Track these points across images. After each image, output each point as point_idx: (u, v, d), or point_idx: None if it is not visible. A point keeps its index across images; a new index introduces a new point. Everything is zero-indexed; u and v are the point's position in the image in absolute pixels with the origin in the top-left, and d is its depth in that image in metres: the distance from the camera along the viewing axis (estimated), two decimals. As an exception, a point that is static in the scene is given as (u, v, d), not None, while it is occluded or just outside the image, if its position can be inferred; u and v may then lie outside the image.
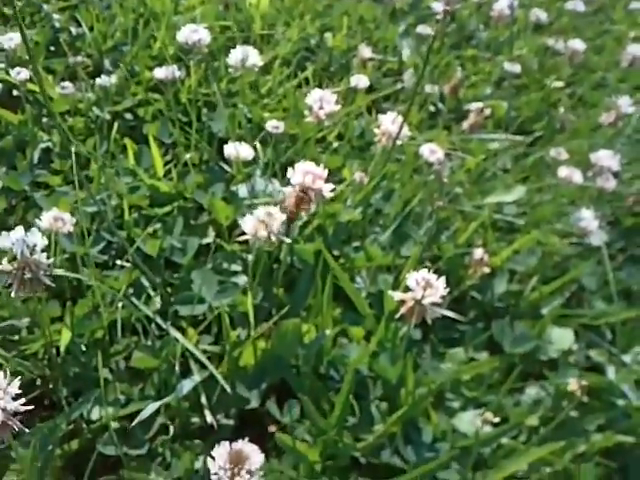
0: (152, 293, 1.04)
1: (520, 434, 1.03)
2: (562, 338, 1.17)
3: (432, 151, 1.25)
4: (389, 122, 1.21)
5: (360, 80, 1.40)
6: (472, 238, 1.31)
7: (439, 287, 0.85)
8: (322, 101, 1.15)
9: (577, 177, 1.29)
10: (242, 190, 1.23)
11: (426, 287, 0.84)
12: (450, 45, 2.05)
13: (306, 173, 0.95)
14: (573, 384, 0.89)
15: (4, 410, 0.61)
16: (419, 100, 1.71)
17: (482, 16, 2.24)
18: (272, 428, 0.99)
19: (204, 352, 0.96)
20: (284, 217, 0.90)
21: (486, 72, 1.95)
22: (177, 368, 0.92)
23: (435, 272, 1.25)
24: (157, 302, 1.03)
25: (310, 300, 1.08)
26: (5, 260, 0.75)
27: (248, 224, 0.92)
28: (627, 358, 1.19)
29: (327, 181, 0.96)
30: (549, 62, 2.07)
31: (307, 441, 0.91)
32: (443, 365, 1.12)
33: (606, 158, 1.34)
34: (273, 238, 0.90)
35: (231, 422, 0.94)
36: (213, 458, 0.66)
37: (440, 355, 1.15)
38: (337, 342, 1.05)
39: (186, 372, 0.95)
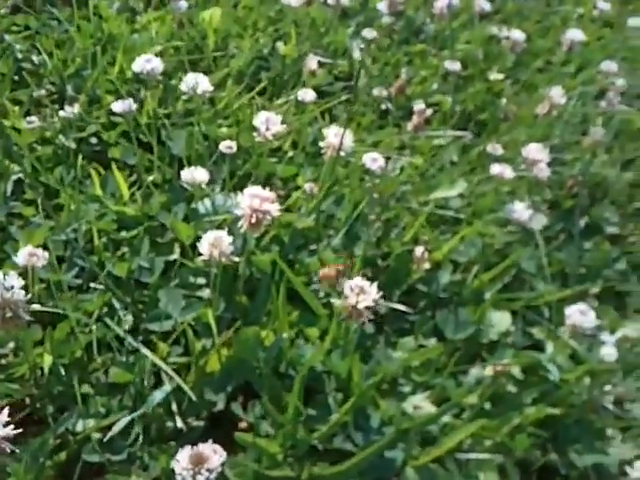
0: (124, 313, 1.15)
1: (463, 412, 1.16)
2: (501, 321, 1.29)
3: (374, 159, 1.35)
4: (332, 135, 1.31)
5: (307, 94, 1.49)
6: (418, 234, 1.42)
7: (372, 292, 0.96)
8: (268, 122, 1.25)
9: (508, 173, 1.40)
10: (202, 207, 1.34)
11: (359, 293, 0.95)
12: (399, 41, 2.14)
13: (254, 197, 1.06)
14: (489, 370, 1.01)
15: (-5, 437, 0.72)
16: (369, 101, 1.82)
17: (429, 9, 2.32)
18: (242, 424, 1.11)
19: (174, 364, 1.07)
20: (231, 239, 1.01)
21: (433, 66, 2.04)
22: (147, 381, 1.03)
23: (385, 268, 1.38)
24: (129, 320, 1.14)
25: (269, 306, 1.20)
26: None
27: (203, 247, 1.03)
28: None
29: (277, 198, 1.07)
30: (494, 50, 2.17)
31: (270, 435, 1.03)
32: (395, 354, 1.24)
33: (536, 151, 1.44)
34: (224, 259, 1.01)
35: (201, 424, 1.05)
36: (178, 461, 0.77)
37: (392, 344, 1.27)
38: (295, 343, 1.17)
39: (159, 382, 1.07)
